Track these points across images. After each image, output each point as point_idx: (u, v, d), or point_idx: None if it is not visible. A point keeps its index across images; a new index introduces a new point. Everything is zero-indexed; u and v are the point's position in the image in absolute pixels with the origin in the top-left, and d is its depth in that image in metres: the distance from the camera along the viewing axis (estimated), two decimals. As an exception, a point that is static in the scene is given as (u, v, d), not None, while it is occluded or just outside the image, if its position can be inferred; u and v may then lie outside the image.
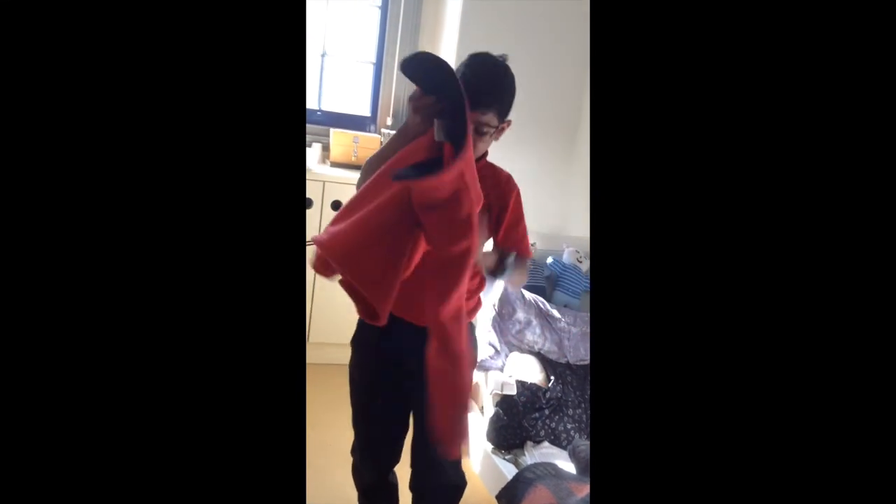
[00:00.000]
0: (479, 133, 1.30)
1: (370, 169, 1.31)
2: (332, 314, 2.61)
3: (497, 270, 1.38)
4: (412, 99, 1.19)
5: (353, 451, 1.56)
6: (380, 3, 3.11)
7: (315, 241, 1.19)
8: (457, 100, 1.12)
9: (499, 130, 1.34)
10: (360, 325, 1.48)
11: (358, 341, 1.49)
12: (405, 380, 1.41)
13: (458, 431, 1.22)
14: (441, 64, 1.14)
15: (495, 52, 1.34)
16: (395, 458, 1.56)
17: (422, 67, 1.16)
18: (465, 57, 1.31)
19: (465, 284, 1.16)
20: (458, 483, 1.51)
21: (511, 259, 1.37)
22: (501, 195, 1.41)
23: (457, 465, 1.51)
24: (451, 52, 2.74)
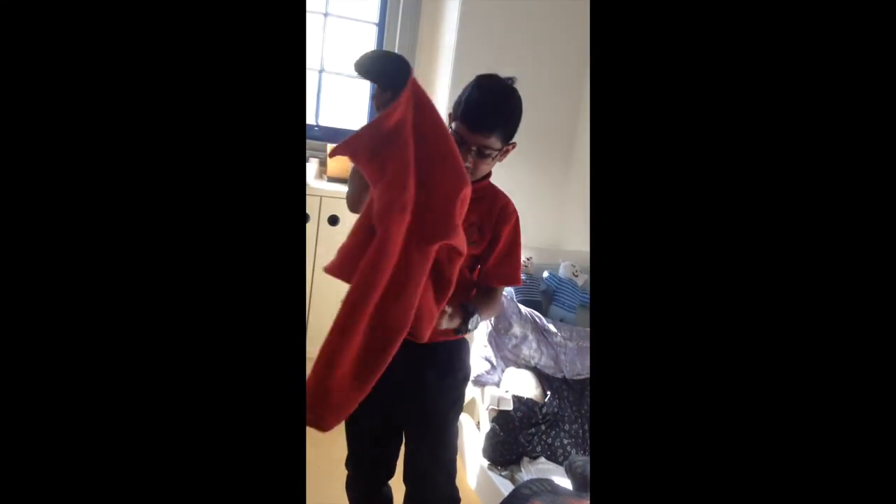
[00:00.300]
0: (482, 156, 1.30)
1: (355, 175, 1.32)
2: (329, 327, 2.60)
3: (459, 331, 1.35)
4: (374, 97, 1.19)
5: (347, 464, 1.56)
6: (377, 21, 3.14)
7: (325, 269, 1.20)
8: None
9: (502, 153, 1.34)
10: None
11: None
12: (396, 394, 1.41)
13: (316, 397, 1.13)
14: (391, 57, 1.15)
15: (491, 69, 1.35)
16: (389, 472, 1.55)
17: (375, 65, 1.16)
18: (461, 75, 1.32)
19: (392, 243, 1.11)
20: (452, 498, 1.50)
21: (475, 319, 1.34)
22: (495, 221, 1.39)
23: (451, 480, 1.50)
24: (447, 69, 2.76)
